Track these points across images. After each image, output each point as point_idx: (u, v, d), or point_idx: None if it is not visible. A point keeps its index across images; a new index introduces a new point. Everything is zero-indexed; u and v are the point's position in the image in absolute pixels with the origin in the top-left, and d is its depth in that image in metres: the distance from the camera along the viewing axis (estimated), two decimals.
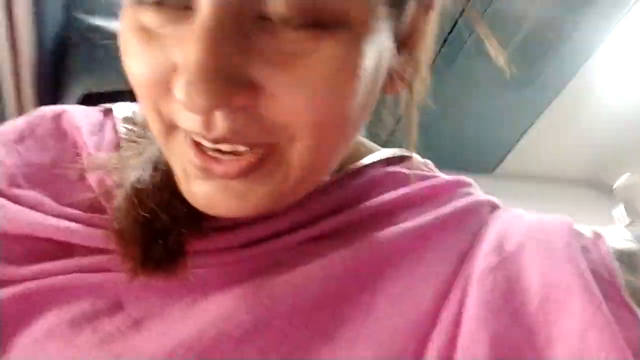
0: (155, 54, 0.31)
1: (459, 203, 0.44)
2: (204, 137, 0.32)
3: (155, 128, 0.35)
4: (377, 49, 0.32)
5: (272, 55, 0.29)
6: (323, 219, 0.41)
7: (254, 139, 0.32)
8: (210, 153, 0.33)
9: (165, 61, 0.31)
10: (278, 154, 0.33)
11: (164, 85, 0.31)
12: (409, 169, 0.47)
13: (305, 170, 0.34)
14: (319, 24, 0.29)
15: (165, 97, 0.32)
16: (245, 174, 0.33)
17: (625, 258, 0.39)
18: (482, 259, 0.39)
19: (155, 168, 0.40)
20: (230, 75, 0.28)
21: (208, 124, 0.31)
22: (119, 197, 0.39)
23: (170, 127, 0.34)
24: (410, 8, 0.36)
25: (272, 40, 0.29)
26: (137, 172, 0.40)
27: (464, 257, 0.40)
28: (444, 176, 0.48)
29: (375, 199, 0.43)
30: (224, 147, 0.32)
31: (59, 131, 0.47)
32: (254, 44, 0.29)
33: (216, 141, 0.32)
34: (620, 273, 0.37)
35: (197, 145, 0.33)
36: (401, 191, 0.44)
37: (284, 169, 0.34)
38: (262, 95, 0.30)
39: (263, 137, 0.32)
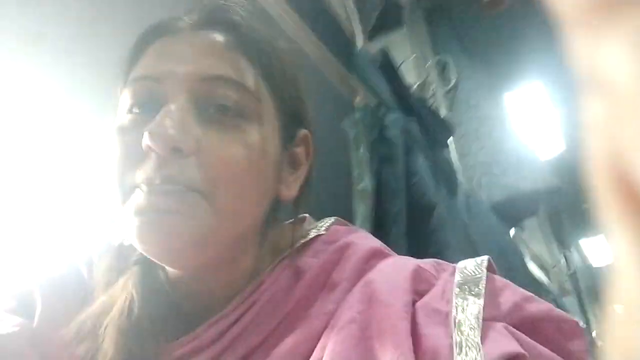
0: (129, 142, 0.45)
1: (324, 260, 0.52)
2: (153, 181, 0.43)
3: (119, 193, 0.45)
4: (269, 143, 0.49)
5: (209, 131, 0.45)
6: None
7: (190, 183, 0.44)
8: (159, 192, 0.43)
9: (135, 144, 0.44)
10: (203, 197, 0.44)
11: (131, 161, 0.44)
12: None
13: (221, 213, 0.45)
14: (236, 116, 0.47)
15: (131, 168, 0.44)
16: (180, 207, 0.43)
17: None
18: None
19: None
20: (183, 133, 0.43)
21: (161, 165, 0.43)
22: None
23: (129, 191, 0.44)
24: (298, 139, 0.55)
25: (208, 122, 0.46)
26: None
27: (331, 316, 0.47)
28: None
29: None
30: (168, 197, 0.43)
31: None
32: (199, 123, 0.45)
33: (165, 180, 0.43)
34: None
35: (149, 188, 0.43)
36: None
37: (206, 209, 0.44)
38: (202, 153, 0.44)
39: (198, 183, 0.44)
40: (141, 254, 0.47)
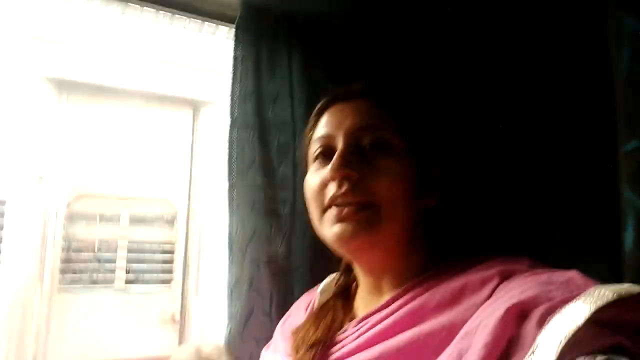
0: (319, 177, 0.70)
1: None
2: (337, 197, 0.66)
3: (316, 213, 0.70)
4: (405, 167, 0.68)
5: (367, 161, 0.67)
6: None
7: (360, 199, 0.65)
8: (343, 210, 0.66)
9: (323, 178, 0.69)
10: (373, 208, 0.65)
11: (321, 189, 0.69)
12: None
13: (387, 220, 0.65)
14: (382, 149, 0.68)
15: (322, 194, 0.69)
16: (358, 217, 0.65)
17: None
18: None
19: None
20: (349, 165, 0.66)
21: (340, 187, 0.66)
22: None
23: (322, 211, 0.69)
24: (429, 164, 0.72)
25: (365, 156, 0.68)
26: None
27: None
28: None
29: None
30: (349, 208, 0.65)
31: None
32: (359, 157, 0.67)
33: (345, 197, 0.65)
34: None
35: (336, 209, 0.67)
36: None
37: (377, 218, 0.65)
38: (365, 177, 0.66)
39: (366, 197, 0.65)
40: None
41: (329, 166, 0.67)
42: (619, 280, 0.55)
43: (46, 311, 3.75)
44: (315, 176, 0.71)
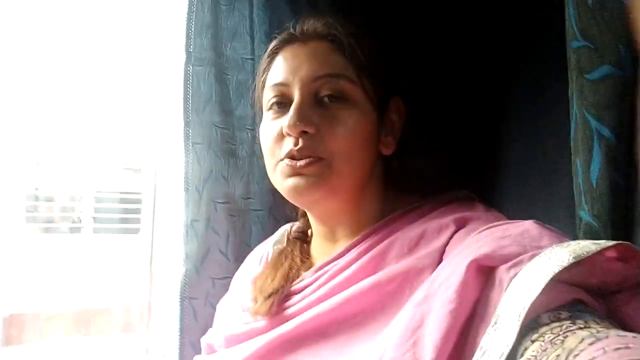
0: (275, 129, 0.65)
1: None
2: (293, 152, 0.62)
3: (270, 164, 0.66)
4: (365, 117, 0.64)
5: (324, 114, 0.63)
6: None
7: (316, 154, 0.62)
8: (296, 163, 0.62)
9: (279, 130, 0.64)
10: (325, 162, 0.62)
11: (277, 142, 0.64)
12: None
13: (341, 173, 0.63)
14: (340, 100, 0.63)
15: (277, 146, 0.64)
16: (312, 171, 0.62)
17: None
18: None
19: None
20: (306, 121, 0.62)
21: (296, 143, 0.62)
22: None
23: (277, 161, 0.64)
24: (391, 106, 0.69)
25: (322, 108, 0.63)
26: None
27: None
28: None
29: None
30: (302, 162, 0.62)
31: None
32: (316, 109, 0.63)
33: (300, 152, 0.61)
34: None
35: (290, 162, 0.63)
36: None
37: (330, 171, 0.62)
38: (321, 131, 0.62)
39: (321, 152, 0.62)
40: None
41: (286, 120, 0.62)
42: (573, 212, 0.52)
43: (14, 255, 3.63)
44: (271, 127, 0.66)
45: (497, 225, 0.51)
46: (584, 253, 0.39)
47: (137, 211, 4.21)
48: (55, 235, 4.02)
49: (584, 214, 0.48)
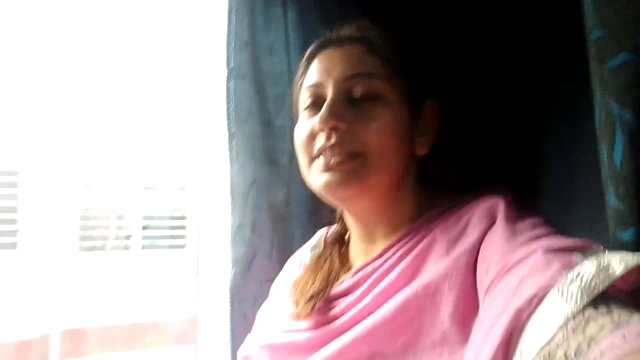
0: (308, 127, 0.66)
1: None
2: (326, 148, 0.63)
3: (304, 162, 0.68)
4: (398, 116, 0.66)
5: (357, 112, 0.64)
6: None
7: (349, 150, 0.63)
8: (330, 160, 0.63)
9: (312, 128, 0.66)
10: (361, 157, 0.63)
11: (310, 140, 0.66)
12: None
13: (375, 170, 0.63)
14: (373, 99, 0.65)
15: (310, 144, 0.66)
16: (345, 167, 0.63)
17: None
18: None
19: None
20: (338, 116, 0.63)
21: (329, 138, 0.63)
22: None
23: (311, 160, 0.66)
24: (426, 108, 0.70)
25: (355, 106, 0.64)
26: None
27: None
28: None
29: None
30: (336, 158, 0.63)
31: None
32: (349, 107, 0.64)
33: (333, 148, 0.63)
34: None
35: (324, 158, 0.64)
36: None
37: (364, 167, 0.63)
38: (354, 127, 0.63)
39: (354, 148, 0.63)
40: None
41: (318, 116, 0.64)
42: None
43: (68, 273, 3.80)
44: (305, 126, 0.67)
45: (508, 269, 0.49)
46: (597, 289, 0.39)
47: (183, 227, 4.33)
48: (107, 253, 4.18)
49: (610, 198, 0.50)
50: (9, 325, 3.56)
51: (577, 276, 0.41)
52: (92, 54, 3.68)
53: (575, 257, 0.45)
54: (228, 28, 0.94)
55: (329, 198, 0.67)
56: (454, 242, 0.59)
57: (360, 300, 0.61)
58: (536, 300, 0.42)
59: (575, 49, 0.67)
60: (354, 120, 0.63)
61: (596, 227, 0.80)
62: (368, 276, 0.63)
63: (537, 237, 0.52)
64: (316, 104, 0.67)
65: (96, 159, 3.95)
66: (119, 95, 3.94)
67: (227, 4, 0.93)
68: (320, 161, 0.64)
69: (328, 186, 0.64)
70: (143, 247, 4.20)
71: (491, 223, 0.58)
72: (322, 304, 0.65)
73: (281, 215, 0.97)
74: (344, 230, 0.78)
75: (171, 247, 4.27)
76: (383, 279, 0.61)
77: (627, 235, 0.47)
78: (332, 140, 0.63)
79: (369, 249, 0.69)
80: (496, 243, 0.54)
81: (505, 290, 0.47)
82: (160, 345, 3.94)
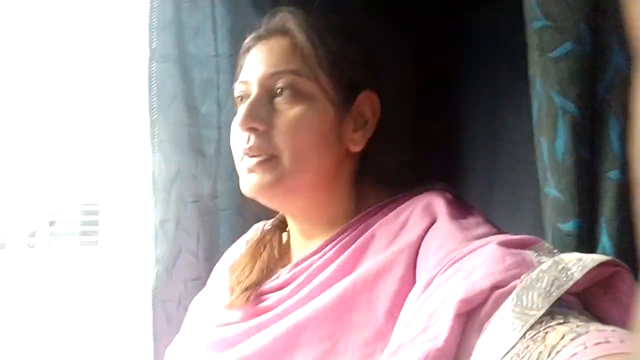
0: (234, 127, 0.66)
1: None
2: (246, 149, 0.63)
3: (236, 163, 0.66)
4: (322, 113, 0.63)
5: (276, 111, 0.63)
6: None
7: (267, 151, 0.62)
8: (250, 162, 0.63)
9: (236, 129, 0.65)
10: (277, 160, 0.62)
11: (236, 139, 0.65)
12: None
13: (293, 171, 0.62)
14: (295, 97, 0.63)
15: (236, 143, 0.65)
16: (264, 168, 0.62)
17: None
18: None
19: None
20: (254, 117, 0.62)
21: (247, 140, 0.62)
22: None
23: (239, 160, 0.65)
24: (361, 100, 0.66)
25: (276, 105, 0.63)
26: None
27: None
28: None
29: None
30: (254, 160, 0.62)
31: None
32: (269, 106, 0.63)
33: (251, 149, 0.62)
34: None
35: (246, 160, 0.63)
36: None
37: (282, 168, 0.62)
38: (272, 128, 0.62)
39: (272, 149, 0.62)
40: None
41: (237, 115, 0.64)
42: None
43: None
44: (234, 123, 0.66)
45: (459, 257, 0.48)
46: (559, 287, 0.39)
47: (95, 223, 4.09)
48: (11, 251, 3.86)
49: (550, 189, 0.51)
50: None
51: (535, 280, 0.40)
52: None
53: (528, 254, 0.45)
54: (150, 5, 0.87)
55: (256, 199, 0.66)
56: (394, 237, 0.58)
57: (294, 295, 0.60)
58: (489, 294, 0.42)
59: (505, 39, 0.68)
60: (272, 121, 0.62)
61: (520, 219, 0.83)
62: (304, 270, 0.62)
63: (485, 234, 0.52)
64: (243, 101, 0.66)
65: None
66: (23, 73, 3.62)
67: None
68: (243, 162, 0.64)
69: (250, 188, 0.63)
70: (49, 245, 3.91)
71: (432, 220, 0.57)
72: (255, 296, 0.64)
73: (207, 210, 0.92)
74: (284, 223, 0.76)
75: (82, 244, 4.02)
76: (319, 273, 0.60)
77: (569, 226, 0.48)
78: (250, 142, 0.62)
79: (307, 244, 0.67)
80: (439, 240, 0.53)
81: (455, 277, 0.46)
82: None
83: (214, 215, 0.94)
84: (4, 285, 3.56)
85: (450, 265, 0.48)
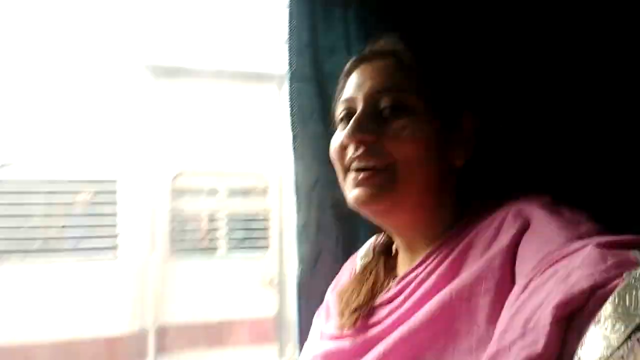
0: (338, 141, 0.68)
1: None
2: (354, 160, 0.65)
3: (339, 175, 0.70)
4: (428, 127, 0.65)
5: (385, 125, 0.65)
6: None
7: (377, 163, 0.64)
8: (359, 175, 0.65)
9: (341, 141, 0.67)
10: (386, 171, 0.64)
11: (341, 152, 0.68)
12: None
13: (403, 183, 0.64)
14: (402, 112, 0.65)
15: (341, 157, 0.68)
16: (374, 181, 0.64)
17: None
18: None
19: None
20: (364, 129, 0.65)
21: (356, 151, 0.65)
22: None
23: (344, 173, 0.68)
24: (463, 120, 0.69)
25: (384, 120, 0.65)
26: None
27: None
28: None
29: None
30: (364, 174, 0.64)
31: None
32: (376, 120, 0.65)
33: (359, 160, 0.65)
34: None
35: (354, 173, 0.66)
36: None
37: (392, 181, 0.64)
38: (381, 141, 0.64)
39: (381, 161, 0.64)
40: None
41: (345, 129, 0.66)
42: None
43: (161, 274, 4.09)
44: (336, 139, 0.70)
45: (557, 259, 0.48)
46: None
47: (266, 228, 4.48)
48: (196, 253, 4.42)
49: None
50: (109, 320, 3.88)
51: (637, 280, 0.39)
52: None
53: (632, 253, 0.43)
54: (289, 30, 0.97)
55: (362, 212, 0.68)
56: (488, 244, 0.58)
57: (401, 307, 0.62)
58: (588, 296, 0.41)
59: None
60: (381, 134, 0.64)
61: None
62: (409, 283, 0.64)
63: (587, 233, 0.50)
64: (348, 117, 0.68)
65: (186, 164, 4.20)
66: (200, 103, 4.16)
67: (287, 8, 0.97)
68: (351, 175, 0.66)
69: (358, 201, 0.65)
70: (229, 249, 4.40)
71: (525, 223, 0.56)
72: (366, 313, 0.67)
73: (345, 214, 0.99)
74: (391, 240, 0.78)
75: (255, 248, 4.43)
76: (422, 285, 0.62)
77: None
78: (359, 152, 0.65)
79: (413, 258, 0.69)
80: (537, 242, 0.52)
81: (553, 280, 0.45)
82: (244, 343, 4.10)
83: (352, 219, 1.00)
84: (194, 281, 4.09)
85: (548, 268, 0.47)
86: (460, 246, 0.61)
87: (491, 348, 0.48)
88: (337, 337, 0.70)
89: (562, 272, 0.45)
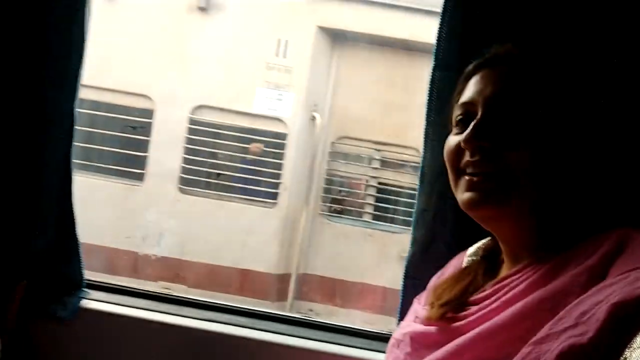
0: (454, 143, 0.69)
1: None
2: (469, 164, 0.66)
3: (451, 177, 0.71)
4: (546, 140, 0.64)
5: (503, 133, 0.64)
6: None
7: (491, 169, 0.64)
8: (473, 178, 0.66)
9: (457, 144, 0.68)
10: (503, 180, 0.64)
11: (456, 155, 0.69)
12: None
13: (516, 192, 0.63)
14: (521, 122, 0.64)
15: (456, 159, 0.68)
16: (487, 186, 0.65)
17: None
18: None
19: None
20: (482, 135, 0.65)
21: (473, 155, 0.65)
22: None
23: (457, 175, 0.69)
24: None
25: (502, 127, 0.64)
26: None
27: None
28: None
29: None
30: (479, 177, 0.65)
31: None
32: (496, 126, 0.65)
33: (476, 165, 0.65)
34: None
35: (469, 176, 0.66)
36: None
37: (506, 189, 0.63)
38: (498, 148, 0.64)
39: (497, 168, 0.64)
40: None
41: (465, 133, 0.66)
42: None
43: (309, 229, 4.39)
44: (452, 141, 0.71)
45: (634, 268, 0.48)
46: None
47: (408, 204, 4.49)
48: (341, 217, 4.63)
49: None
50: (259, 258, 4.31)
51: None
52: None
53: None
54: (441, 18, 0.98)
55: (470, 215, 0.69)
56: (579, 263, 0.58)
57: (487, 307, 0.64)
58: None
59: None
60: (499, 141, 0.64)
61: None
62: (502, 288, 0.65)
63: None
64: (465, 120, 0.69)
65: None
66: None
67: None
68: (465, 178, 0.67)
69: (468, 204, 0.67)
70: (374, 218, 4.53)
71: (621, 247, 0.56)
72: (456, 309, 0.69)
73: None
74: (498, 245, 0.78)
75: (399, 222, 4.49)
76: (511, 291, 0.63)
77: None
78: (476, 157, 0.65)
79: (513, 266, 0.70)
80: (630, 264, 0.52)
81: (621, 283, 0.46)
82: (372, 310, 4.25)
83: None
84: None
85: (622, 274, 0.48)
86: (556, 260, 0.61)
87: (543, 331, 0.49)
88: (427, 323, 0.74)
89: (633, 277, 0.46)
